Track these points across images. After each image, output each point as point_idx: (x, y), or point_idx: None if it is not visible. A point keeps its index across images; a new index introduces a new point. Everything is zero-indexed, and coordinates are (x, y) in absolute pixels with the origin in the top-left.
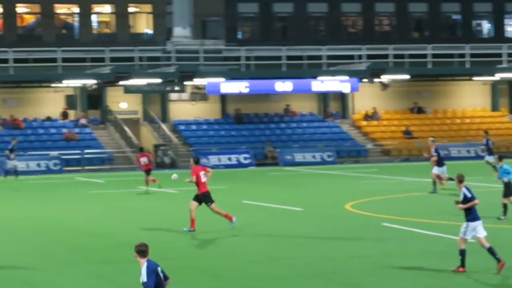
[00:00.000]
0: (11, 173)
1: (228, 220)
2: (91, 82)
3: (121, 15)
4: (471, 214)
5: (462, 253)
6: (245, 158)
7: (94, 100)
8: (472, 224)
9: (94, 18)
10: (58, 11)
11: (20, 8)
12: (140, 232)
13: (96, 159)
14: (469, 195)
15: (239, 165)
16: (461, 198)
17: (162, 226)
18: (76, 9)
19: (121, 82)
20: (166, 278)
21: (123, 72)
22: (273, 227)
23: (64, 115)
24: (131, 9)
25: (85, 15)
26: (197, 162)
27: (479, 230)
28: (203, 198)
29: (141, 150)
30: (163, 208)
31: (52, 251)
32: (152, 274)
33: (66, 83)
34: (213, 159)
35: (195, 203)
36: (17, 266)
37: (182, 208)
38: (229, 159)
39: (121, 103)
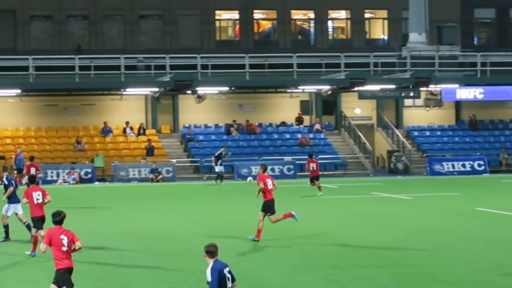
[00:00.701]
0: (221, 178)
1: (288, 217)
2: (326, 87)
3: (357, 21)
4: None
5: None
6: (479, 165)
7: (328, 105)
8: None
9: (329, 24)
10: (294, 17)
11: (257, 14)
12: (372, 237)
13: (329, 164)
14: None
15: (473, 171)
16: None
17: (394, 232)
18: (312, 15)
19: (355, 88)
20: (233, 280)
21: (357, 77)
22: (507, 234)
23: (299, 120)
24: (367, 15)
25: (320, 21)
26: (265, 170)
27: None
28: (267, 206)
29: (310, 156)
30: (396, 214)
31: (285, 256)
32: (215, 274)
33: (301, 88)
34: (447, 166)
35: (262, 213)
36: (248, 270)
37: (416, 214)
38: (463, 165)
39: (355, 108)
